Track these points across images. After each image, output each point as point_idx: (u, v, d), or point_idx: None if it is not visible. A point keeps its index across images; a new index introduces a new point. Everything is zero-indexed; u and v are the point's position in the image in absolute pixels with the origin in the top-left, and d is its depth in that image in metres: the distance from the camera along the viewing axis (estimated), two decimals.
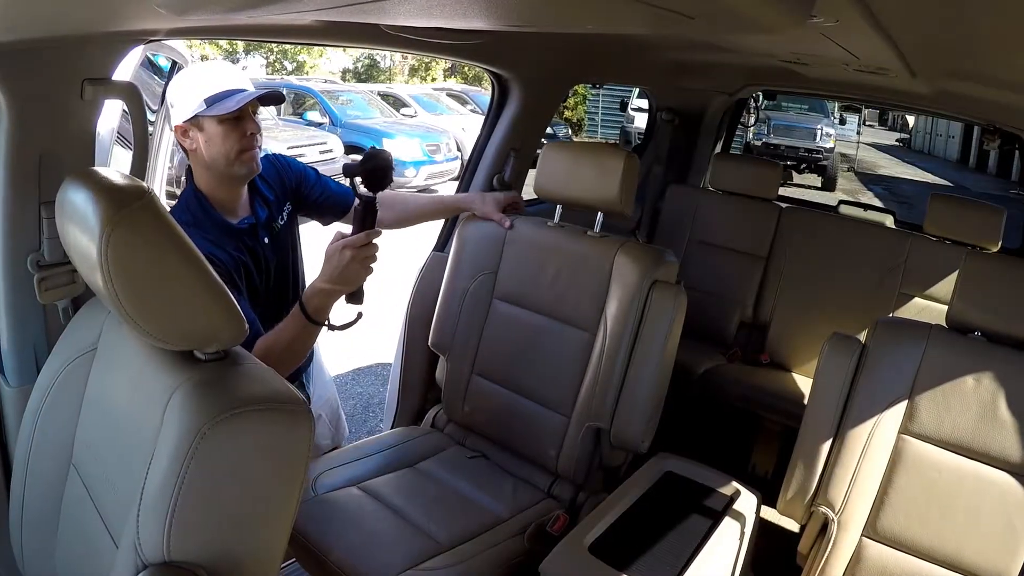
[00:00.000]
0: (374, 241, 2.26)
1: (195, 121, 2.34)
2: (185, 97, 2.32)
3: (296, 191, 2.76)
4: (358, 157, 2.26)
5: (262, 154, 2.50)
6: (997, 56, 2.40)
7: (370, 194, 2.26)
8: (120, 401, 1.65)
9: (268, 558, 1.45)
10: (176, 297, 1.43)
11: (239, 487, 1.39)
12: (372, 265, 2.27)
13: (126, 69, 3.01)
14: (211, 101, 2.30)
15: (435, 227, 3.87)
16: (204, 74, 2.36)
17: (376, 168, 2.23)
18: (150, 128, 4.77)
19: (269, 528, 1.44)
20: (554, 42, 3.36)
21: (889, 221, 4.64)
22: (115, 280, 1.36)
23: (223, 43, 26.89)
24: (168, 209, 1.50)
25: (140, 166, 2.20)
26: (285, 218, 2.67)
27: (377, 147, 2.65)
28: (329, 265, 2.23)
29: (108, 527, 1.55)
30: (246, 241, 2.50)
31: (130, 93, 2.13)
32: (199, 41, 25.69)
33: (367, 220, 2.26)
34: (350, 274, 2.23)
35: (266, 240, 2.57)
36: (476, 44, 2.83)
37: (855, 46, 2.39)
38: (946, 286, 3.92)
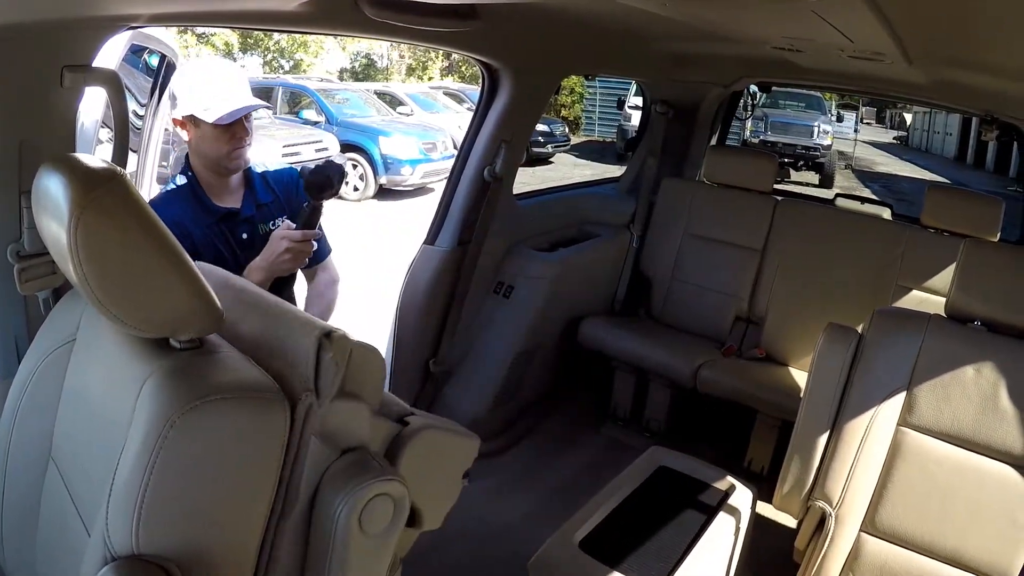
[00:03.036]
0: (311, 241, 2.65)
1: (192, 118, 2.60)
2: (186, 94, 2.58)
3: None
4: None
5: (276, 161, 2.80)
6: (995, 41, 2.37)
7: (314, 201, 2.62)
8: (96, 391, 1.62)
9: (242, 552, 1.40)
10: (148, 282, 1.39)
11: (211, 478, 1.35)
12: (305, 260, 2.67)
13: (109, 57, 2.99)
14: (206, 107, 2.56)
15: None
16: (206, 75, 2.62)
17: (318, 181, 2.59)
18: (138, 123, 4.73)
19: (243, 521, 1.39)
20: (545, 31, 3.32)
21: (886, 214, 4.61)
22: (84, 264, 1.32)
23: (218, 43, 26.89)
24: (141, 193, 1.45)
25: (121, 154, 2.17)
26: (276, 227, 2.80)
27: (334, 161, 2.72)
28: (268, 250, 2.61)
29: (84, 520, 1.52)
30: (222, 226, 2.73)
31: (111, 80, 2.09)
32: (196, 42, 25.80)
33: (310, 222, 2.63)
34: (281, 262, 2.60)
35: (244, 235, 2.78)
36: (465, 32, 2.79)
37: (849, 27, 2.35)
38: (944, 279, 3.88)
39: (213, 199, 2.73)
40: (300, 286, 3.06)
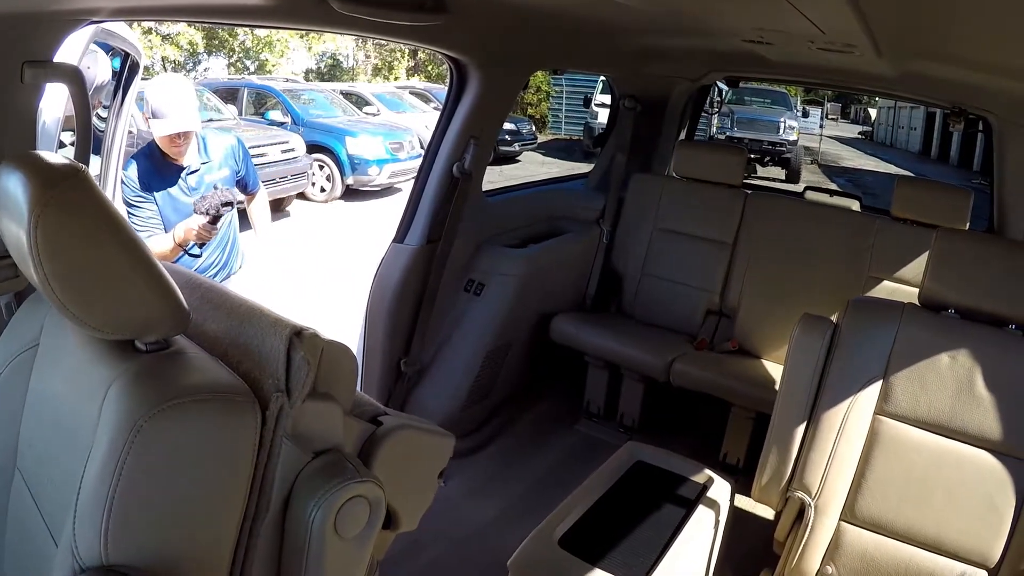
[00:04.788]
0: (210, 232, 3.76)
1: (147, 118, 3.65)
2: (147, 100, 3.62)
3: (240, 173, 4.09)
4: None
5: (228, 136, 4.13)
6: (966, 32, 2.37)
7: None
8: (61, 397, 1.57)
9: (215, 559, 1.36)
10: (111, 282, 1.35)
11: (180, 484, 1.31)
12: (204, 239, 3.79)
13: (72, 54, 2.94)
14: (156, 115, 3.57)
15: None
16: (160, 91, 3.58)
17: (202, 208, 3.67)
18: (101, 126, 4.67)
19: (215, 527, 1.36)
20: (513, 25, 3.30)
21: (855, 206, 4.64)
22: (46, 264, 1.28)
23: (183, 43, 26.72)
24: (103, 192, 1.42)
25: (83, 151, 2.13)
26: (213, 179, 3.94)
27: (226, 190, 3.85)
28: (186, 225, 3.69)
29: (50, 530, 1.48)
30: (176, 176, 3.82)
31: (73, 77, 2.05)
32: (160, 42, 25.60)
33: (212, 222, 3.72)
34: (191, 236, 3.70)
35: (195, 182, 3.87)
36: (433, 26, 2.76)
37: (821, 17, 2.35)
38: (915, 268, 3.91)
39: (168, 159, 3.78)
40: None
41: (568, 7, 3.04)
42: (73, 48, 3.15)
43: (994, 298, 2.36)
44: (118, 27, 4.34)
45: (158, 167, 3.79)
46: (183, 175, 3.83)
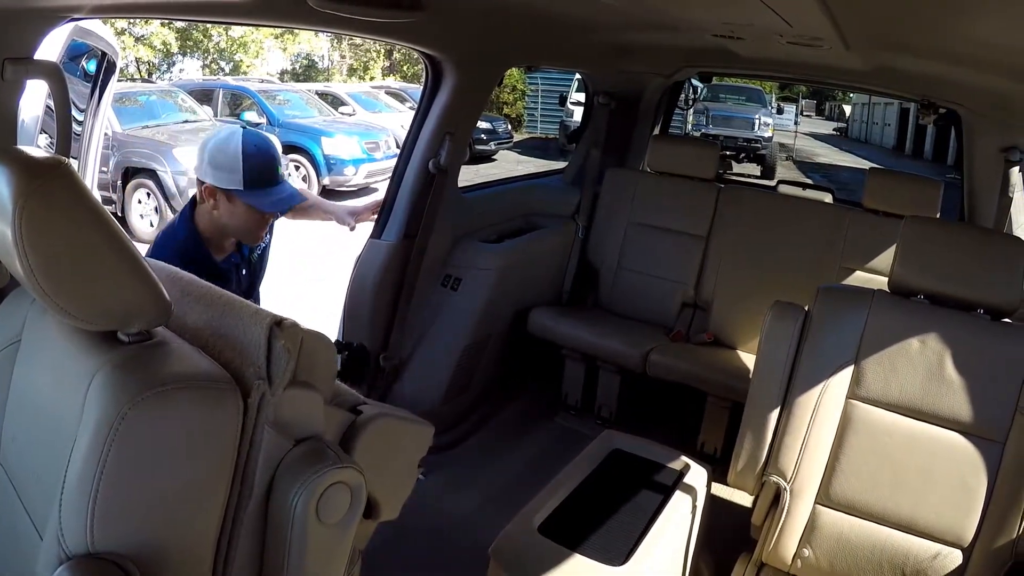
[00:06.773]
0: None
1: (230, 193, 2.57)
2: (226, 166, 2.55)
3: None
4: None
5: None
6: (929, 24, 2.41)
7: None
8: (44, 391, 1.58)
9: (200, 545, 1.38)
10: (95, 273, 1.37)
11: (165, 470, 1.33)
12: None
13: (51, 51, 2.95)
14: (250, 185, 2.56)
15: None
16: (253, 153, 2.59)
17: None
18: (77, 129, 4.65)
19: (200, 514, 1.37)
20: (488, 22, 3.33)
21: (828, 198, 4.69)
22: (30, 255, 1.29)
23: (157, 44, 26.54)
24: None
25: (63, 147, 2.14)
26: (264, 246, 2.98)
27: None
28: None
29: (35, 523, 1.48)
30: (226, 276, 2.77)
31: (53, 73, 2.06)
32: (133, 43, 25.41)
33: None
34: None
35: (244, 272, 2.90)
36: (409, 23, 2.79)
37: (787, 9, 2.38)
38: (886, 259, 3.94)
39: (214, 252, 2.74)
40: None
41: (542, 3, 3.07)
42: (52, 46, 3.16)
43: (962, 283, 2.41)
44: (95, 26, 4.33)
45: (208, 265, 2.71)
46: (237, 267, 2.89)
